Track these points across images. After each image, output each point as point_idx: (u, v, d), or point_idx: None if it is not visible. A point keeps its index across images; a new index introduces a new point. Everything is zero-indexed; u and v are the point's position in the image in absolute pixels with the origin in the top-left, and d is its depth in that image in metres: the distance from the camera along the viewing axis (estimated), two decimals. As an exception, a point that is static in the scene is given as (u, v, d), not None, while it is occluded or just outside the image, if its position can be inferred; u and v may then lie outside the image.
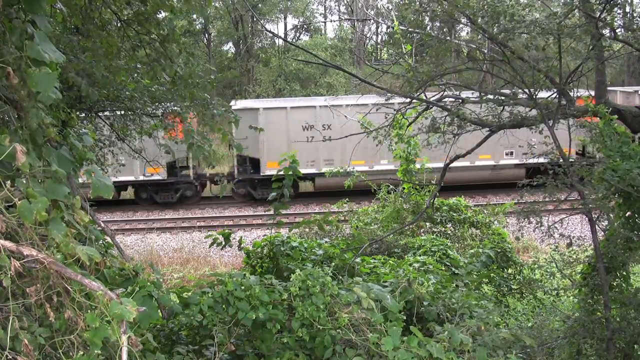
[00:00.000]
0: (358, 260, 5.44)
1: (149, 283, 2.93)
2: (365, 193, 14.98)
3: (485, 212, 9.71)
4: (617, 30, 5.42)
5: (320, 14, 41.68)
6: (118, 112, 6.73)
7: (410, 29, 7.06)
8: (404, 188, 10.29)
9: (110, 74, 4.47)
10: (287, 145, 16.23)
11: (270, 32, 15.04)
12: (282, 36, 35.05)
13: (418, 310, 4.20)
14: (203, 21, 29.96)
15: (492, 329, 3.89)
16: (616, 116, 5.13)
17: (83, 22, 4.21)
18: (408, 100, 5.86)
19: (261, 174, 17.37)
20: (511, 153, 17.82)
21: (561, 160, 4.85)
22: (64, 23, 4.27)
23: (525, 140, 6.14)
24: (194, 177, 17.89)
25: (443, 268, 6.00)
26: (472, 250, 7.50)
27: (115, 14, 4.31)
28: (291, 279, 3.80)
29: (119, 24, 4.43)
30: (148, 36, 4.38)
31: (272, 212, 5.39)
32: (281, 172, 5.26)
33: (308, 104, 18.09)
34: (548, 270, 6.63)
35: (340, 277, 4.54)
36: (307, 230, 9.42)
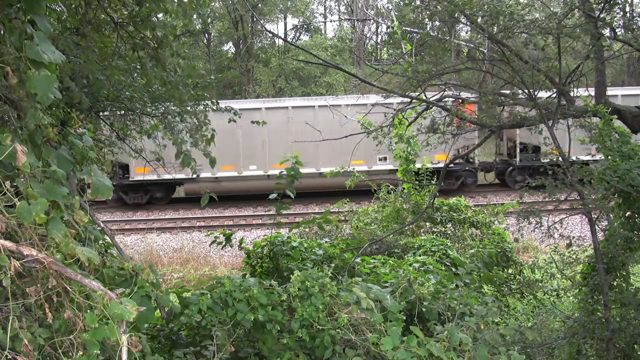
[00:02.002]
0: (358, 260, 5.44)
1: (147, 283, 2.93)
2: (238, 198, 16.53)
3: (485, 212, 9.71)
4: (617, 30, 5.42)
5: (320, 14, 41.70)
6: (118, 112, 6.73)
7: (409, 29, 7.06)
8: (404, 188, 10.30)
9: (107, 75, 4.47)
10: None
11: (270, 32, 14.95)
12: (282, 36, 35.04)
13: (419, 310, 4.20)
14: (201, 22, 29.95)
15: (492, 326, 3.89)
16: (616, 116, 5.13)
17: (80, 22, 4.21)
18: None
19: (130, 179, 17.66)
20: (385, 158, 17.69)
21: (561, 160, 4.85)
22: (63, 23, 4.27)
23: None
24: None
25: (443, 268, 5.99)
26: (472, 250, 7.49)
27: (109, 15, 4.30)
28: (291, 280, 3.80)
29: (114, 26, 4.43)
30: (142, 41, 4.38)
31: (272, 212, 5.37)
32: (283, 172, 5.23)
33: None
34: (548, 270, 6.62)
35: (340, 278, 4.54)
36: (307, 230, 9.42)
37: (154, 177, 17.18)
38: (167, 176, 17.17)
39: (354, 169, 11.40)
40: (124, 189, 18.06)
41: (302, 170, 5.16)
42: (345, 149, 17.30)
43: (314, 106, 17.97)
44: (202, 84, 5.46)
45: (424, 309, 4.26)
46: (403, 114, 6.73)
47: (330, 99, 18.41)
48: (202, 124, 5.53)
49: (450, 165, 17.69)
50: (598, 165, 4.60)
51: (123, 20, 4.42)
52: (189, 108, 5.73)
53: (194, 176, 5.53)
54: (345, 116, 10.77)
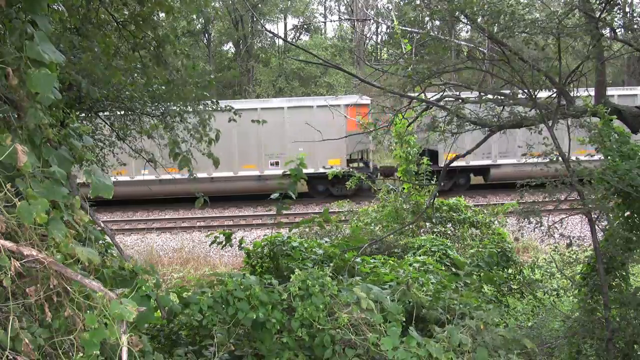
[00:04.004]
0: (358, 260, 5.44)
1: (147, 284, 2.93)
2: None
3: (485, 212, 9.71)
4: (617, 30, 5.42)
5: (320, 14, 41.69)
6: (118, 112, 6.73)
7: (409, 29, 7.06)
8: (404, 188, 10.30)
9: (108, 74, 4.48)
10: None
11: (270, 32, 14.99)
12: (282, 36, 35.05)
13: (418, 311, 4.20)
14: (203, 21, 29.98)
15: (491, 328, 3.89)
16: (615, 116, 5.13)
17: (81, 22, 4.21)
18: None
19: None
20: (276, 163, 17.72)
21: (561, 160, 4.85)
22: (63, 23, 4.27)
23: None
24: None
25: (443, 268, 6.00)
26: (472, 250, 7.49)
27: (111, 14, 4.31)
28: (291, 279, 3.80)
29: (115, 25, 4.43)
30: (144, 40, 4.38)
31: (272, 212, 5.37)
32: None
33: None
34: (548, 270, 6.63)
35: (340, 277, 4.54)
36: (307, 230, 9.42)
37: None
38: None
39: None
40: None
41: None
42: (237, 153, 17.30)
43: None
44: (201, 83, 5.46)
45: (423, 309, 4.27)
46: (403, 113, 6.73)
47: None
48: (204, 123, 5.52)
49: (348, 170, 17.61)
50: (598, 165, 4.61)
51: (125, 20, 4.42)
52: (189, 108, 5.72)
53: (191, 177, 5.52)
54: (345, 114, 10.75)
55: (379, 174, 18.83)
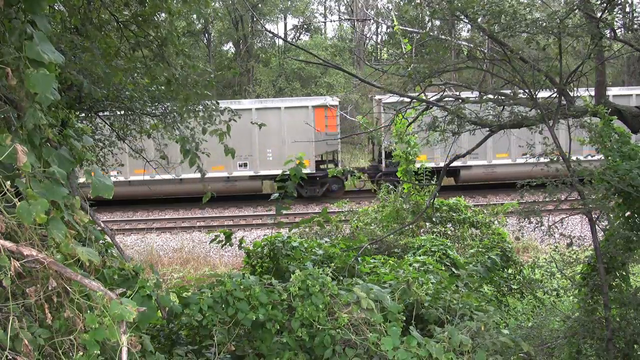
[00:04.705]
0: (358, 260, 5.44)
1: (148, 283, 2.93)
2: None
3: (485, 212, 9.70)
4: (617, 30, 5.42)
5: (320, 14, 41.68)
6: (118, 112, 6.73)
7: (409, 29, 7.06)
8: (404, 188, 10.30)
9: (109, 74, 4.48)
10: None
11: (270, 32, 14.95)
12: (282, 36, 35.04)
13: (418, 311, 4.20)
14: (203, 21, 30.01)
15: (491, 330, 3.89)
16: (616, 117, 5.13)
17: (82, 22, 4.21)
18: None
19: None
20: (245, 165, 17.70)
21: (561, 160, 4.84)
22: (63, 23, 4.27)
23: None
24: None
25: (443, 268, 5.99)
26: (472, 250, 7.49)
27: (112, 15, 4.31)
28: (291, 279, 3.80)
29: (117, 25, 4.44)
30: (146, 39, 4.39)
31: (272, 212, 5.39)
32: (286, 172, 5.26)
33: None
34: (548, 270, 6.62)
35: (340, 277, 4.55)
36: (307, 230, 9.43)
37: None
38: None
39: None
40: None
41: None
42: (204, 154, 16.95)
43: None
44: (201, 82, 5.46)
45: (423, 310, 4.27)
46: (403, 113, 6.73)
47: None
48: (211, 117, 5.54)
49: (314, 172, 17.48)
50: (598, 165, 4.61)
51: (126, 20, 4.42)
52: (189, 108, 5.73)
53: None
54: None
55: (349, 175, 18.89)
